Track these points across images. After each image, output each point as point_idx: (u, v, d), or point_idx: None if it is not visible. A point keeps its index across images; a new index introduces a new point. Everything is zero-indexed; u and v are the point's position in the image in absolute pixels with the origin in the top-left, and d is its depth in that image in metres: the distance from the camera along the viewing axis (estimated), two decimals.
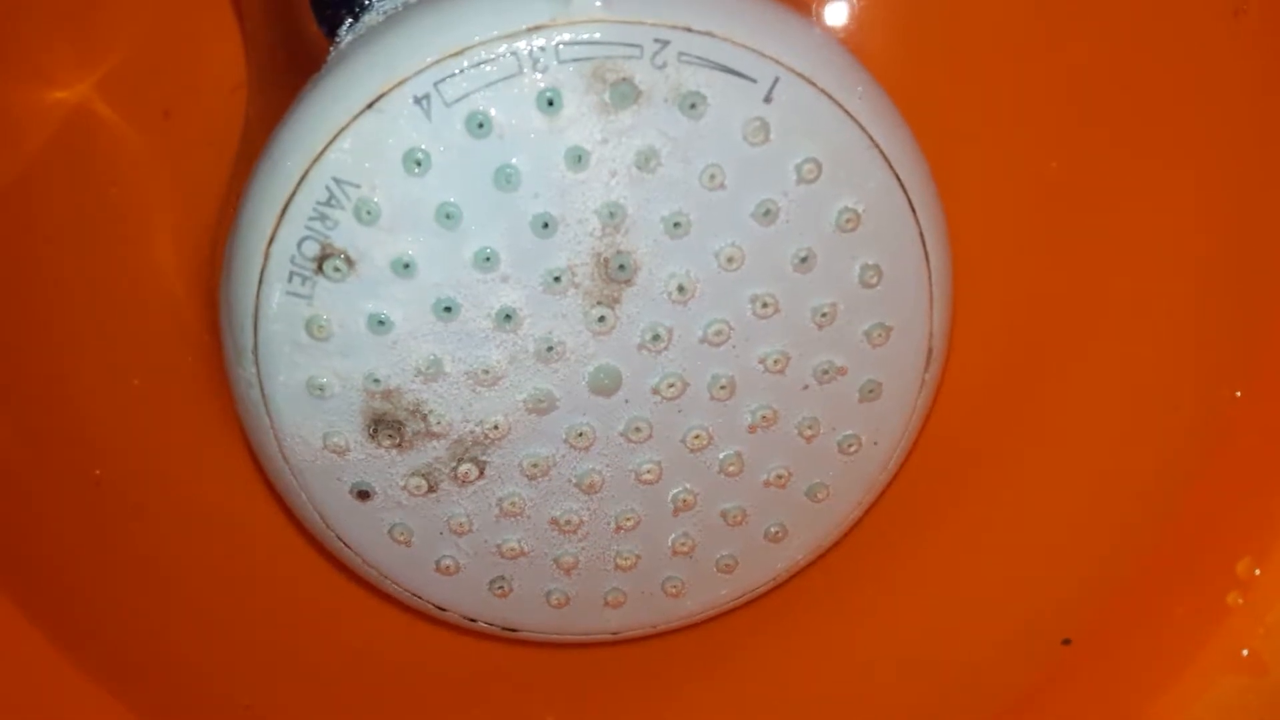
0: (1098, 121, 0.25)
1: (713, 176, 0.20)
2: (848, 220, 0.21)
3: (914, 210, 0.21)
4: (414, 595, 0.24)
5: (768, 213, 0.20)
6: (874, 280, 0.21)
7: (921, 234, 0.21)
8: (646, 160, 0.19)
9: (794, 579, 0.25)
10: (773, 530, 0.24)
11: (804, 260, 0.21)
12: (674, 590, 0.24)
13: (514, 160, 0.19)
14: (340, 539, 0.23)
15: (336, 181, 0.19)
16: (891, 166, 0.21)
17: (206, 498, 0.26)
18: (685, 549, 0.23)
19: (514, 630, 0.24)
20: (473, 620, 0.24)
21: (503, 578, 0.23)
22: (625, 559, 0.23)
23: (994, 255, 0.26)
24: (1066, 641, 0.24)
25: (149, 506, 0.26)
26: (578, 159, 0.19)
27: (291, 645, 0.26)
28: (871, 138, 0.20)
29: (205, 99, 0.26)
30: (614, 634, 0.25)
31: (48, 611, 0.23)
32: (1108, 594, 0.24)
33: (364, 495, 0.22)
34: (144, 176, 0.26)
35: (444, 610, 0.24)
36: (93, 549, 0.25)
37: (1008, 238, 0.26)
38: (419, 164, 0.19)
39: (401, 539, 0.22)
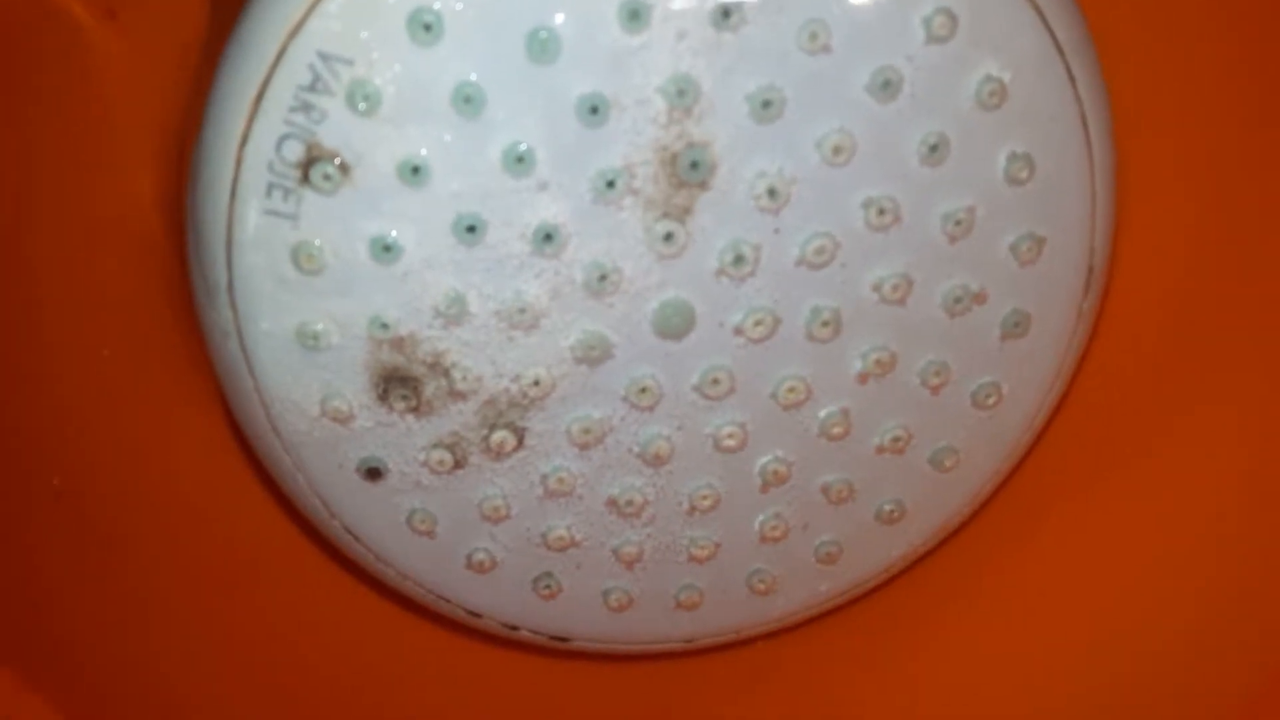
0: None
1: (814, 36, 0.17)
2: (991, 93, 0.18)
3: (1074, 81, 0.19)
4: (440, 598, 0.22)
5: (886, 84, 0.18)
6: (1023, 175, 0.19)
7: (1084, 113, 0.19)
8: (726, 15, 0.17)
9: (911, 569, 0.23)
10: (887, 509, 0.22)
11: (934, 149, 0.18)
12: (762, 586, 0.23)
13: (553, 20, 0.17)
14: (347, 529, 0.21)
15: (322, 58, 0.17)
16: (1046, 22, 0.18)
17: (191, 493, 0.24)
18: (776, 534, 0.22)
19: (564, 639, 0.23)
20: (514, 628, 0.23)
21: (549, 574, 0.22)
22: (701, 548, 0.22)
23: (1171, 142, 0.23)
24: None
25: (123, 520, 0.24)
26: (634, 15, 0.17)
27: (294, 662, 0.24)
28: None
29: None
30: (687, 642, 0.23)
31: (13, 653, 0.21)
32: None
33: (374, 474, 0.20)
34: (111, 82, 0.23)
35: (478, 616, 0.23)
36: (56, 574, 0.23)
37: (1189, 119, 0.23)
38: (428, 28, 0.17)
39: (423, 528, 0.21)
